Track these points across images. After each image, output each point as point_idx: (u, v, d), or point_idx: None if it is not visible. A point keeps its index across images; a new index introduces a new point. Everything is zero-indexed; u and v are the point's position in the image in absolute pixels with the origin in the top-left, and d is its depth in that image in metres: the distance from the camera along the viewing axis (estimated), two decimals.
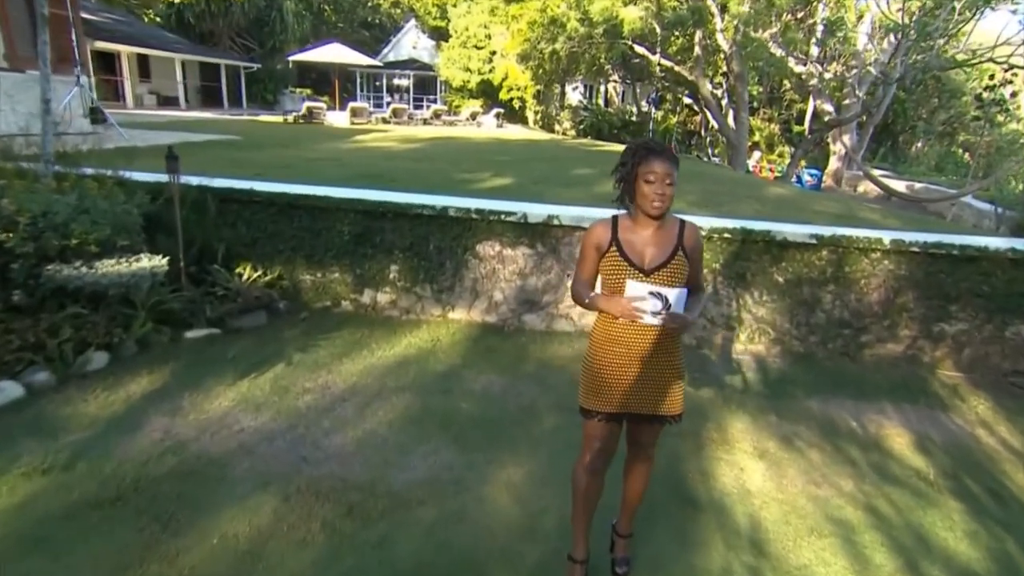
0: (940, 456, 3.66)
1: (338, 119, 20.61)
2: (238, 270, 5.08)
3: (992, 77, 14.71)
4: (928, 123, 24.85)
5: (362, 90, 31.24)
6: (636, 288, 2.14)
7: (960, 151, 27.73)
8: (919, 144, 28.16)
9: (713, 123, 21.06)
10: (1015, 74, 14.02)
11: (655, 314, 2.14)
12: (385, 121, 21.90)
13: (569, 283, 5.06)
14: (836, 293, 5.00)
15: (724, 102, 20.73)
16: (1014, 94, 15.43)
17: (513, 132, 21.69)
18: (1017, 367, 4.87)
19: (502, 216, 4.91)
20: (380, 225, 5.07)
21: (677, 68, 18.41)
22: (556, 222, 4.89)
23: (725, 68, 19.18)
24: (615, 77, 26.35)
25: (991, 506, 3.19)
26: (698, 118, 27.71)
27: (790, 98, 27.44)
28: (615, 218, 2.31)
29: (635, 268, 2.21)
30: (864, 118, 18.44)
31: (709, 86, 18.37)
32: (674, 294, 2.13)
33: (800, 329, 5.12)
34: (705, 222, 4.98)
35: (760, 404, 4.23)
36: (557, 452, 3.41)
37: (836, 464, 3.51)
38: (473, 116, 25.04)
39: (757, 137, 24.92)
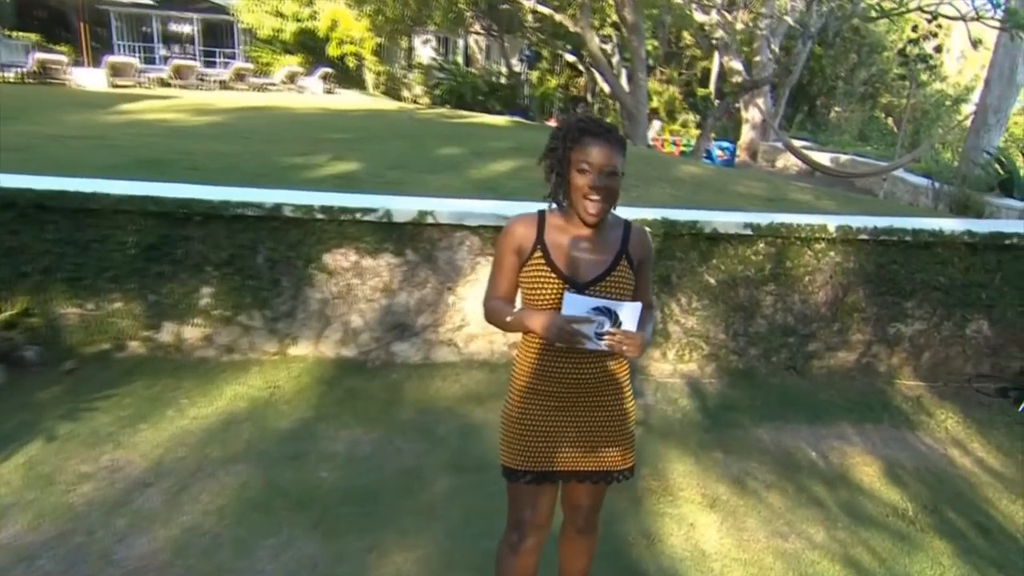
0: (915, 486, 4.01)
1: (91, 79, 19.27)
2: None
3: (915, 29, 16.58)
4: (848, 83, 27.56)
5: (123, 38, 29.13)
6: (575, 303, 2.12)
7: (883, 115, 31.08)
8: (838, 108, 31.26)
9: (603, 86, 21.98)
10: (939, 26, 15.90)
11: (600, 336, 2.13)
12: (164, 83, 20.82)
13: (451, 298, 5.04)
14: (777, 294, 5.36)
15: (616, 60, 21.73)
16: (938, 48, 17.47)
17: (349, 100, 21.43)
18: (980, 370, 5.47)
19: (357, 215, 4.80)
20: (183, 232, 4.78)
21: (557, 16, 19.06)
22: (430, 220, 4.85)
23: (616, 17, 20.12)
24: (478, 28, 26.78)
25: (980, 543, 3.52)
26: (583, 80, 28.83)
27: (692, 55, 29.35)
28: (542, 213, 2.30)
29: (564, 280, 2.21)
30: (777, 78, 20.09)
31: (597, 40, 19.17)
32: (625, 309, 2.13)
33: (738, 340, 5.42)
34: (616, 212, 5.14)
35: (701, 438, 4.42)
36: (457, 526, 3.36)
37: (801, 507, 3.73)
38: (291, 78, 24.44)
39: (655, 103, 26.38)
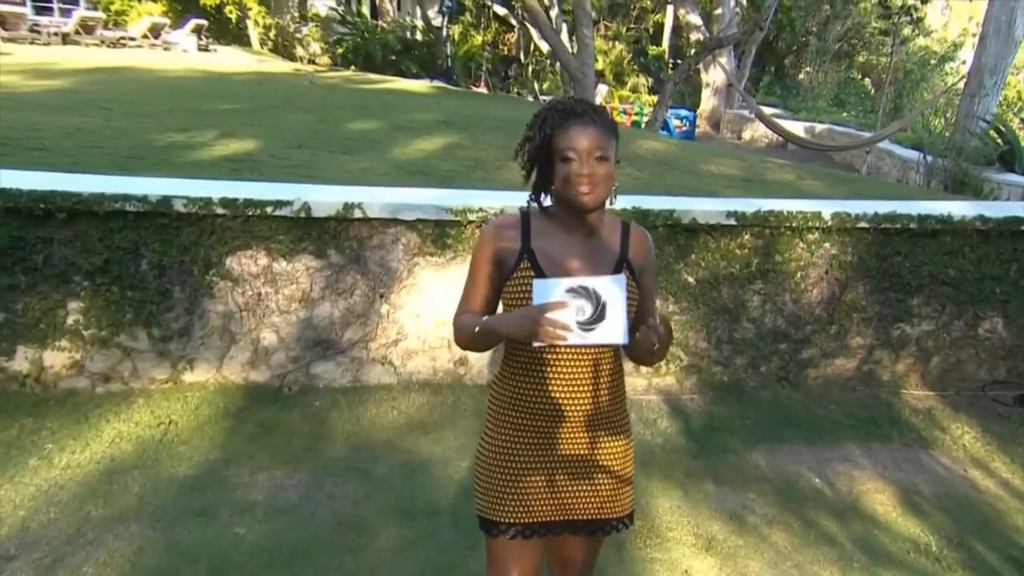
0: (936, 516, 4.16)
1: None
2: None
3: None
4: (821, 39, 28.36)
5: None
6: (545, 289, 2.07)
7: (860, 76, 32.07)
8: (808, 69, 32.13)
9: (540, 44, 22.05)
10: None
11: (585, 326, 2.04)
12: None
13: (384, 308, 5.03)
14: (766, 293, 5.48)
15: (555, 13, 21.86)
16: None
17: (230, 60, 20.99)
18: (995, 376, 5.72)
19: (268, 208, 4.72)
20: (42, 233, 4.62)
21: None
22: (358, 214, 4.82)
23: None
24: None
25: None
26: (515, 37, 28.91)
27: (641, 6, 29.73)
28: (525, 214, 2.30)
29: None
30: (746, 35, 20.50)
31: None
32: (606, 283, 2.06)
33: (722, 349, 5.53)
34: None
35: (688, 467, 4.50)
36: None
37: (810, 546, 3.83)
38: (154, 31, 23.72)
39: (600, 64, 26.64)
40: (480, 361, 5.24)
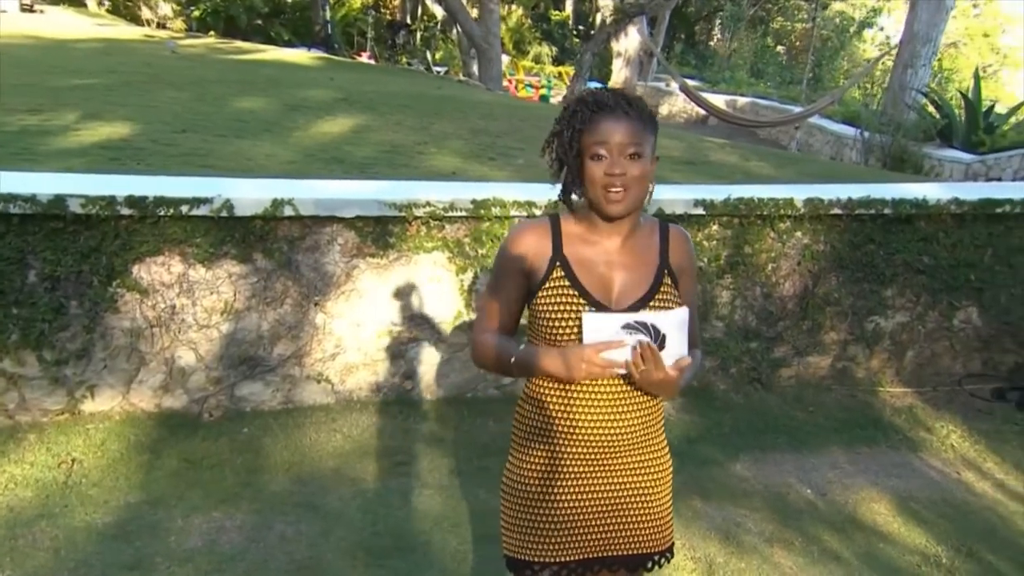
0: (939, 524, 4.38)
1: None
2: None
3: None
4: (735, 4, 29.19)
5: None
6: (599, 325, 2.12)
7: (773, 43, 33.18)
8: (718, 36, 33.05)
9: (432, 8, 22.00)
10: None
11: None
12: None
13: (320, 318, 4.99)
14: (736, 288, 5.65)
15: None
16: None
17: (65, 23, 20.29)
18: (971, 369, 6.06)
19: (183, 207, 4.61)
20: None
21: None
22: (289, 211, 4.75)
23: None
24: None
25: None
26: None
27: None
28: (554, 218, 2.32)
29: (596, 307, 2.22)
30: None
31: None
32: (669, 319, 2.14)
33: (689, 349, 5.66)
34: (515, 192, 5.23)
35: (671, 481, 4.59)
36: None
37: (816, 564, 3.97)
38: None
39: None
40: (429, 374, 5.25)
